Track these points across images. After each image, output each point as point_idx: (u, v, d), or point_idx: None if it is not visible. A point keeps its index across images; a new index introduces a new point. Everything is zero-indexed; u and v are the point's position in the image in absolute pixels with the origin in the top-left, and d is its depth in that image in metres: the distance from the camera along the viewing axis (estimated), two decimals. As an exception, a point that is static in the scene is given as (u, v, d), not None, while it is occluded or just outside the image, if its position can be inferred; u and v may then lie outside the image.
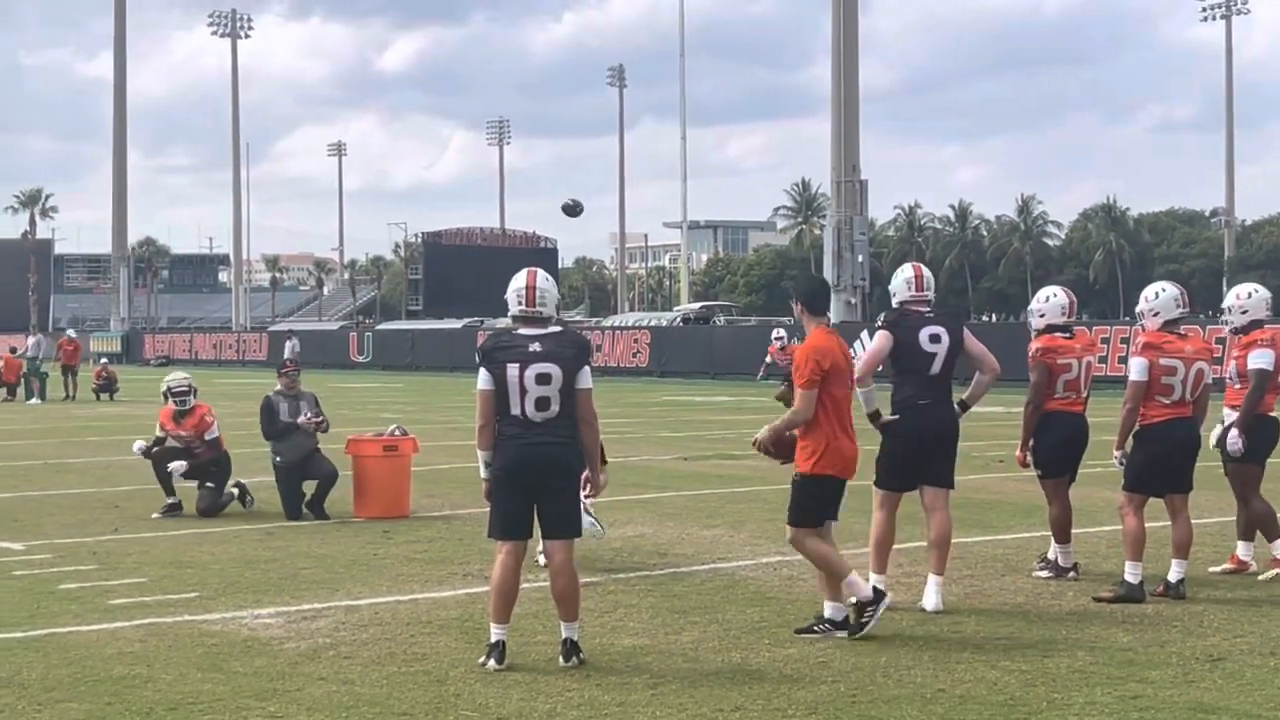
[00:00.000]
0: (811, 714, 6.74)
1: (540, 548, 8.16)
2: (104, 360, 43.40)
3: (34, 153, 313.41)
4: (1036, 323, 10.37)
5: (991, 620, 8.79)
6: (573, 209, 14.43)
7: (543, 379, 7.59)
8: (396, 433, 14.00)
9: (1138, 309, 9.84)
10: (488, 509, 7.84)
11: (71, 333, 44.80)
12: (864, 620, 8.24)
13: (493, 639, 7.65)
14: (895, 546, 9.42)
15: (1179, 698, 6.98)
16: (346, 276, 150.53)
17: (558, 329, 7.85)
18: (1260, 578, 10.04)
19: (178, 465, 13.85)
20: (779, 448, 8.50)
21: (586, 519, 9.42)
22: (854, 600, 8.27)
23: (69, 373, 38.62)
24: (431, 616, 8.96)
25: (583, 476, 8.04)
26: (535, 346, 7.64)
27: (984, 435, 20.40)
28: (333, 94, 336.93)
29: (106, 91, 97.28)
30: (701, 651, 8.00)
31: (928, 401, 9.14)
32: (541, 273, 7.99)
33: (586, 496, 8.03)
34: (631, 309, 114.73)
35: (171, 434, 14.08)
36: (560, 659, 7.66)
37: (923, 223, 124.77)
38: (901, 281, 9.44)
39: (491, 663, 7.58)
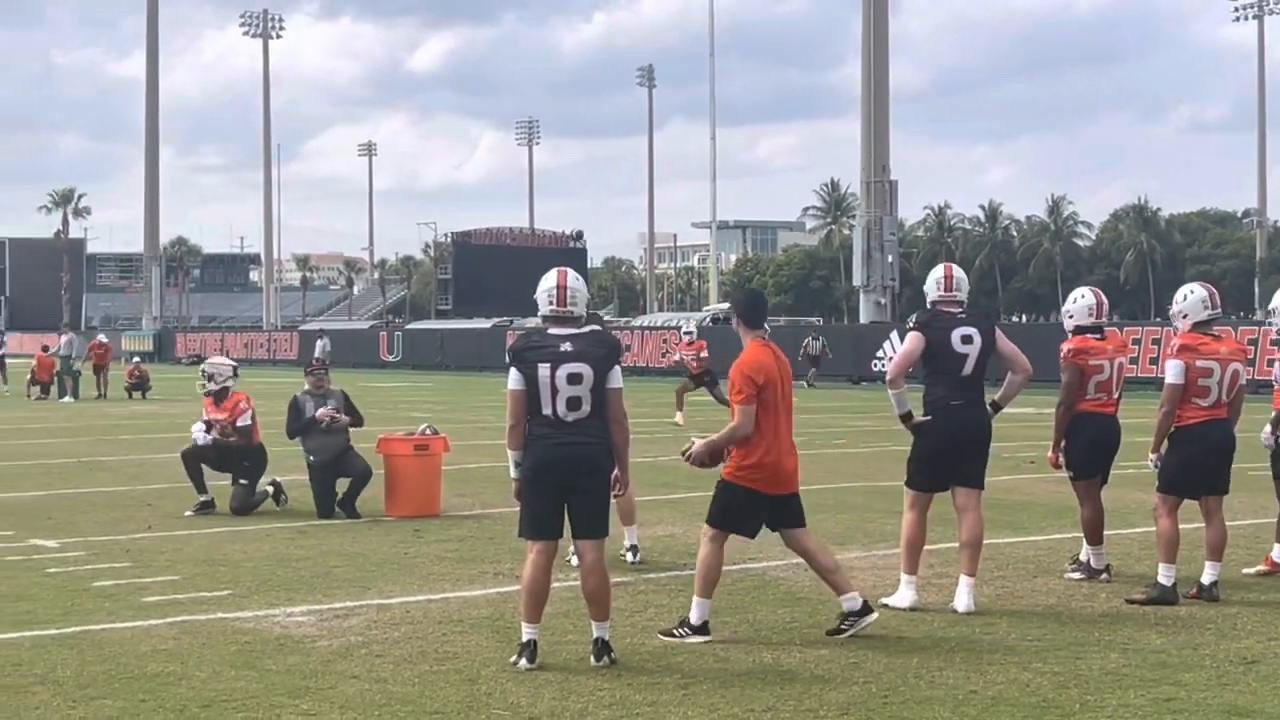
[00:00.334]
0: (844, 715, 6.73)
1: (571, 548, 8.17)
2: (136, 359, 43.57)
3: (67, 152, 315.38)
4: (1067, 324, 10.35)
5: (1024, 622, 8.76)
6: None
7: (574, 379, 7.60)
8: (427, 432, 14.03)
9: (1170, 311, 9.81)
10: (518, 508, 7.86)
11: (102, 336, 45.06)
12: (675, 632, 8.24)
13: (524, 638, 7.66)
14: (926, 547, 9.40)
15: (1213, 700, 6.94)
16: (376, 276, 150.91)
17: (589, 329, 7.85)
18: (1245, 570, 10.06)
19: (198, 427, 14.05)
20: (713, 459, 8.47)
21: None
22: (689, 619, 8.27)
23: (100, 372, 38.88)
24: (463, 615, 8.98)
25: (611, 476, 8.04)
26: (566, 346, 7.65)
27: (1016, 436, 20.35)
28: (363, 94, 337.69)
29: (138, 91, 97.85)
30: (732, 652, 7.99)
31: (960, 402, 9.12)
32: (572, 272, 8.00)
33: (615, 496, 8.02)
34: (660, 309, 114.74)
35: (211, 416, 14.24)
36: (591, 658, 7.67)
37: (952, 223, 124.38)
38: (933, 281, 9.43)
39: (523, 662, 7.59)
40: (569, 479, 7.65)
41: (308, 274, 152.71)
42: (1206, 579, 9.44)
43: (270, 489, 14.17)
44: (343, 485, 13.75)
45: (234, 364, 14.80)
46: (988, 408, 9.26)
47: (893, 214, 58.96)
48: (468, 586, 10.02)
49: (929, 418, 9.15)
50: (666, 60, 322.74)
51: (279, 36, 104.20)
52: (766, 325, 8.58)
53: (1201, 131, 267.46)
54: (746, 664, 7.73)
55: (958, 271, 9.54)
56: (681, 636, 8.21)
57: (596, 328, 7.99)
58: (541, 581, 7.69)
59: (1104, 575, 10.09)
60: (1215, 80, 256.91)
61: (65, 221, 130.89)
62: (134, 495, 15.43)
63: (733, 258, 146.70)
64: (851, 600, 8.33)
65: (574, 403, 7.61)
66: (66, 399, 36.64)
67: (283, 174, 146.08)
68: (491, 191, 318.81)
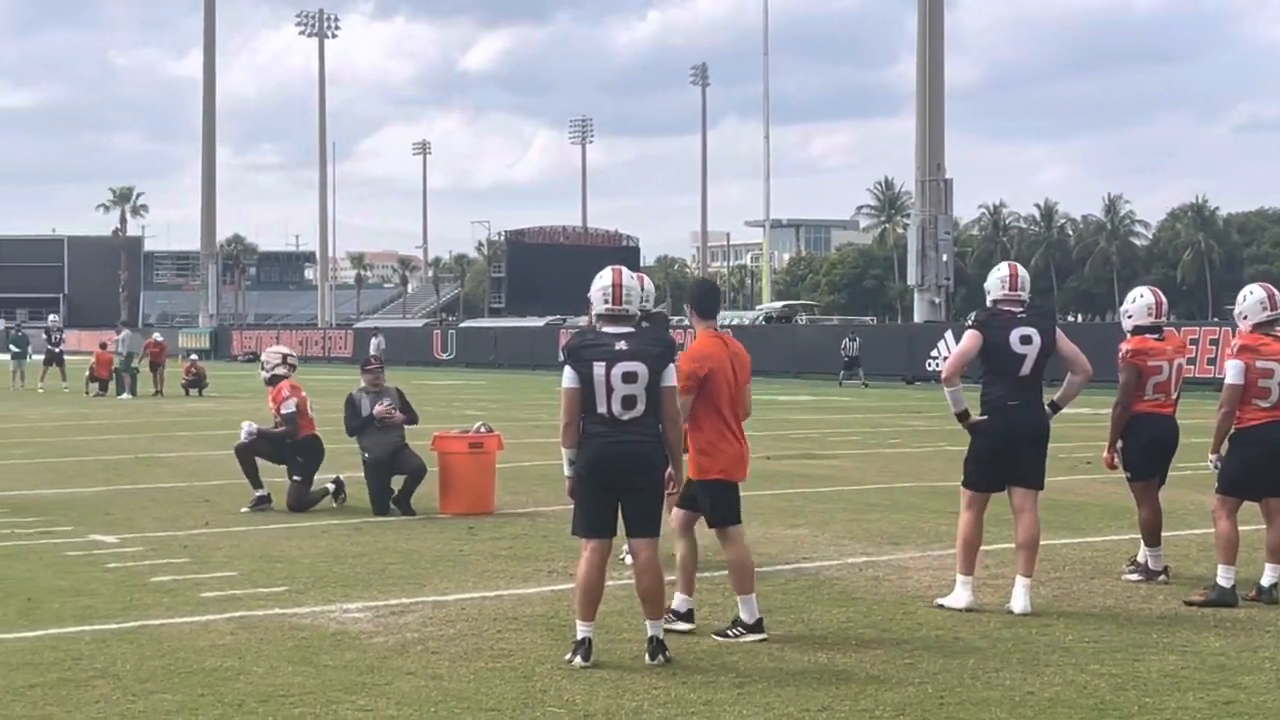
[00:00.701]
0: (900, 715, 6.71)
1: (625, 546, 8.17)
2: (193, 356, 43.97)
3: (125, 151, 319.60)
4: (1125, 324, 10.27)
5: (1080, 623, 8.70)
6: None
7: (629, 377, 7.61)
8: (482, 430, 14.07)
9: (1232, 312, 9.71)
10: (571, 507, 7.87)
11: (158, 335, 45.47)
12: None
13: (578, 636, 7.67)
14: (982, 548, 9.35)
15: (1273, 704, 6.88)
16: (430, 274, 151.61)
17: (643, 327, 7.85)
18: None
19: (248, 424, 14.31)
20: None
21: None
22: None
23: (156, 369, 39.21)
24: (517, 613, 9.00)
25: (665, 475, 8.04)
26: (621, 345, 7.65)
27: (1073, 436, 20.20)
28: (417, 93, 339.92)
29: (196, 90, 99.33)
30: (788, 651, 7.98)
31: (1017, 402, 9.04)
32: (626, 271, 7.99)
33: (668, 494, 8.02)
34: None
35: (269, 406, 14.56)
36: (646, 657, 7.67)
37: (1008, 222, 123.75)
38: (996, 279, 9.34)
39: (577, 659, 7.60)
40: (623, 478, 7.65)
41: (362, 272, 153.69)
42: (1266, 581, 9.34)
43: (331, 486, 14.23)
44: (398, 483, 13.82)
45: (285, 352, 14.88)
46: (1046, 408, 9.19)
47: (947, 213, 58.62)
48: (522, 584, 10.04)
49: (985, 417, 9.09)
50: (720, 58, 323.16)
51: (334, 36, 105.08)
52: (719, 316, 8.63)
53: (1260, 130, 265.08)
54: (801, 663, 7.71)
55: (1022, 271, 9.44)
56: (736, 636, 8.20)
57: (648, 326, 7.99)
58: (596, 580, 7.70)
59: (1162, 577, 10.00)
60: (1273, 79, 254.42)
61: (123, 219, 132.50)
62: (191, 491, 15.56)
63: (786, 256, 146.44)
64: (685, 601, 8.48)
65: (629, 401, 7.62)
66: (124, 396, 36.98)
67: (337, 173, 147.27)
68: (544, 190, 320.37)
